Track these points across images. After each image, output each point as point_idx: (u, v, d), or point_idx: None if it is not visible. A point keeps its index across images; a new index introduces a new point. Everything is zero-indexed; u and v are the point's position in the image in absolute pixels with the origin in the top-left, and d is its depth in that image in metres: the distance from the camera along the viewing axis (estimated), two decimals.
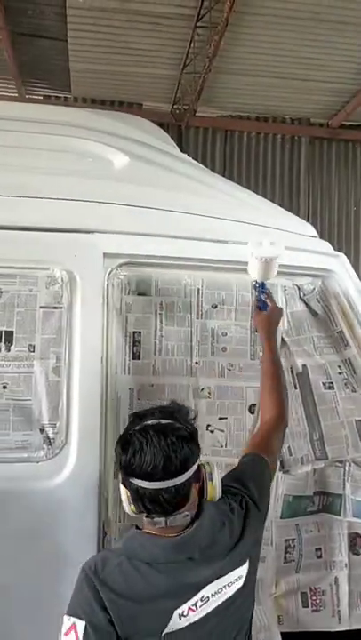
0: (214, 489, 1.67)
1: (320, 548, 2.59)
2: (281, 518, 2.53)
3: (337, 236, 9.44)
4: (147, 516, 1.59)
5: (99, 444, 2.27)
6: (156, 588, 1.54)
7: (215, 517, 1.64)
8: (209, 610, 1.57)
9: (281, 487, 2.55)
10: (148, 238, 2.45)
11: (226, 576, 1.60)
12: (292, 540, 2.55)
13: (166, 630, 1.53)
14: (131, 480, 1.55)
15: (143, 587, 1.53)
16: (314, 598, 2.55)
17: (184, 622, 1.54)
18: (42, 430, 2.26)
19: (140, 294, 2.51)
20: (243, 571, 1.64)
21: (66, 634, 1.48)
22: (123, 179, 2.58)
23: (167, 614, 1.53)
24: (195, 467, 1.60)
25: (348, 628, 2.55)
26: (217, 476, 1.69)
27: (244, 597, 1.68)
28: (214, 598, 1.58)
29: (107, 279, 2.41)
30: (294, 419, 2.68)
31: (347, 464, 2.59)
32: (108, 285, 2.42)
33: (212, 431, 2.58)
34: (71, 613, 1.50)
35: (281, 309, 2.48)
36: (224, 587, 1.60)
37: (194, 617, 1.55)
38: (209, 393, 2.57)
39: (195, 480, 1.61)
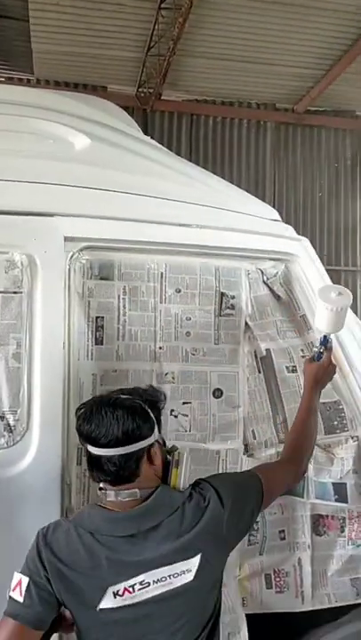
0: (178, 477, 1.71)
1: (283, 530, 2.61)
2: None
3: (302, 221, 9.50)
4: (100, 489, 1.68)
5: (61, 430, 2.24)
6: (95, 558, 1.59)
7: (167, 502, 1.66)
8: (149, 596, 1.58)
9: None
10: (111, 222, 2.40)
11: (171, 565, 1.60)
12: (256, 522, 2.56)
13: (101, 606, 1.56)
14: (83, 443, 1.68)
15: (83, 555, 1.59)
16: (278, 580, 2.57)
17: (119, 602, 1.56)
18: (2, 417, 2.22)
19: (102, 279, 2.47)
20: (191, 565, 1.61)
21: (13, 589, 1.59)
22: (84, 161, 2.53)
23: (102, 589, 1.57)
24: (143, 443, 1.65)
25: (311, 609, 2.58)
26: (185, 466, 1.72)
27: (197, 591, 1.64)
28: (156, 586, 1.58)
29: (68, 263, 2.37)
30: (258, 402, 2.69)
31: None
32: (69, 270, 2.37)
33: (175, 416, 2.57)
34: (20, 570, 1.63)
35: (334, 366, 2.38)
36: (169, 576, 1.60)
37: (130, 599, 1.57)
38: (173, 378, 2.56)
39: (147, 458, 1.67)
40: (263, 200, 2.95)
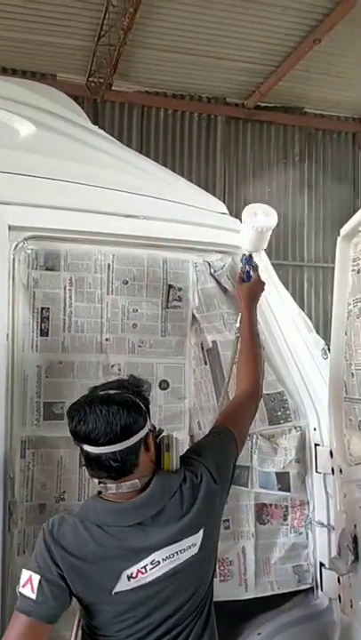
0: (170, 460, 1.75)
1: (228, 520, 2.64)
2: None
3: None
4: (99, 483, 1.68)
5: (4, 422, 2.19)
6: (105, 549, 1.63)
7: (167, 486, 1.70)
8: (160, 573, 1.65)
9: None
10: (57, 211, 2.36)
11: (178, 543, 1.67)
12: None
13: (116, 589, 1.62)
14: (79, 444, 1.66)
15: (93, 547, 1.63)
16: (222, 568, 2.60)
17: (133, 583, 1.63)
18: None
19: (48, 269, 2.43)
20: (196, 539, 1.70)
21: (23, 586, 1.62)
22: (29, 149, 2.48)
23: (115, 574, 1.62)
24: (140, 434, 1.66)
25: (254, 596, 2.63)
26: (175, 448, 1.76)
27: (201, 561, 1.73)
28: (165, 562, 1.65)
29: (12, 253, 2.32)
30: (204, 394, 2.71)
31: (254, 437, 2.64)
32: (13, 259, 2.33)
33: None
34: (29, 567, 1.64)
35: (263, 283, 2.45)
36: (176, 552, 1.67)
37: (143, 579, 1.64)
38: (119, 369, 2.54)
39: (144, 448, 1.68)
40: (214, 194, 2.96)
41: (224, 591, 2.54)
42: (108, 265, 2.54)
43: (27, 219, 2.32)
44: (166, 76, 8.84)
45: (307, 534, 2.69)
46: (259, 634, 2.55)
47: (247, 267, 2.45)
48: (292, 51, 8.05)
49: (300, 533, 2.69)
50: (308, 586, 2.70)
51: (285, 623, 2.58)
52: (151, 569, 1.64)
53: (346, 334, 2.45)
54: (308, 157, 10.17)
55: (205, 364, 2.72)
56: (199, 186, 2.96)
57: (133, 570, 1.63)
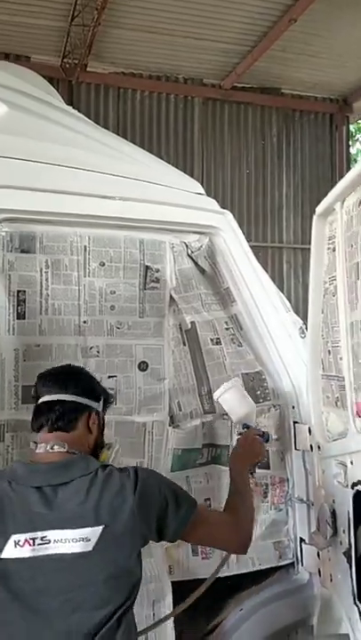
0: (105, 456, 1.89)
1: (209, 498, 2.66)
2: (171, 471, 2.56)
3: (230, 197, 9.56)
4: (34, 443, 1.78)
5: None
6: (5, 506, 1.60)
7: (83, 464, 1.69)
8: (46, 553, 1.56)
9: (171, 441, 2.59)
10: (32, 193, 2.34)
11: (73, 530, 1.58)
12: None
13: (3, 555, 1.56)
14: (36, 394, 1.89)
15: None
16: (203, 547, 2.63)
17: (18, 552, 1.56)
18: None
19: (23, 251, 2.41)
20: (92, 534, 1.58)
21: None
22: (3, 130, 2.45)
23: (5, 537, 1.57)
24: (88, 402, 1.84)
25: (235, 573, 2.66)
26: (113, 451, 1.91)
27: (96, 573, 1.59)
28: (56, 545, 1.57)
29: None
30: (183, 374, 2.72)
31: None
32: None
33: None
34: None
35: (252, 449, 2.22)
36: (70, 540, 1.58)
37: (29, 552, 1.56)
38: (98, 352, 2.54)
39: (86, 423, 1.82)
40: (192, 176, 2.95)
41: (206, 569, 2.56)
42: (85, 247, 2.52)
43: (1, 201, 2.30)
44: (142, 56, 8.74)
45: (287, 511, 2.72)
46: (241, 609, 2.59)
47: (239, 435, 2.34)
48: (268, 30, 7.99)
49: (280, 510, 2.72)
50: (288, 561, 2.74)
51: (267, 598, 2.63)
52: (39, 544, 1.57)
53: (322, 312, 2.46)
54: (286, 138, 10.15)
55: (184, 344, 2.72)
56: (177, 166, 2.95)
57: (22, 538, 1.57)
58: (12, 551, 1.56)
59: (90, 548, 1.58)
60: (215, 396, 2.37)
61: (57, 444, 1.73)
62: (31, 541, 1.57)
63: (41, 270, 2.46)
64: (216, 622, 2.61)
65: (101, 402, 1.92)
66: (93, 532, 1.58)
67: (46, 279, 2.47)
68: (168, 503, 1.71)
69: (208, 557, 2.63)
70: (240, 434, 2.32)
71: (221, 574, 2.61)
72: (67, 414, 1.79)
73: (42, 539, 1.57)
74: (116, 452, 1.92)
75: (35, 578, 1.57)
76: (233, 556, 2.65)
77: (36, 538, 1.57)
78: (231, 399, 2.32)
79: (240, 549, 1.98)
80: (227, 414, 2.44)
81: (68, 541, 1.58)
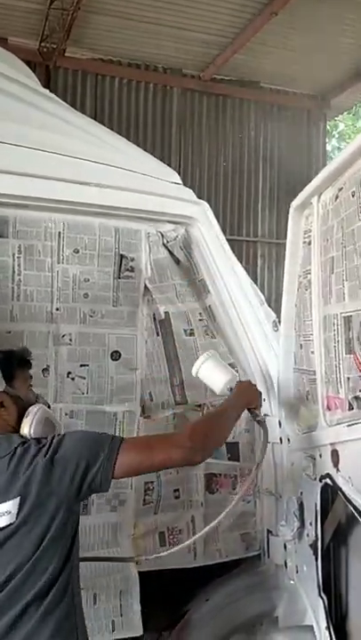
0: (24, 426, 1.76)
1: (178, 489, 2.68)
2: None
3: (206, 189, 9.54)
4: None
5: None
6: None
7: (5, 446, 1.69)
8: None
9: (141, 432, 2.59)
10: (5, 176, 2.29)
11: None
12: (152, 482, 2.61)
13: None
14: None
15: None
16: (171, 537, 2.64)
17: None
18: None
19: None
20: (11, 507, 1.60)
21: None
22: None
23: None
24: None
25: (202, 564, 2.68)
26: (32, 417, 1.77)
27: (21, 535, 1.61)
28: None
29: None
30: (156, 365, 2.72)
31: (205, 408, 2.67)
32: None
33: (72, 378, 2.54)
34: None
35: (247, 393, 2.18)
36: None
37: None
38: (70, 340, 2.52)
39: None
40: (169, 164, 2.93)
41: (173, 560, 2.56)
42: (59, 233, 2.50)
43: None
44: (121, 43, 8.64)
45: (255, 502, 2.75)
46: (207, 600, 2.61)
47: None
48: (249, 23, 7.97)
49: (249, 502, 2.74)
50: (255, 553, 2.77)
51: (233, 589, 2.65)
52: None
53: (296, 306, 2.47)
54: (264, 133, 10.15)
55: (157, 334, 2.72)
56: (155, 156, 2.92)
57: None
58: None
59: (13, 520, 1.59)
60: (193, 371, 2.29)
61: None
62: None
63: (13, 255, 2.42)
64: (182, 612, 2.62)
65: (0, 379, 1.80)
66: (13, 505, 1.60)
67: (19, 265, 2.43)
68: (87, 455, 1.67)
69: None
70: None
71: (190, 566, 2.64)
72: None
73: None
74: (36, 413, 1.78)
75: None
76: (200, 548, 2.67)
77: None
78: (210, 371, 2.25)
79: (188, 455, 1.77)
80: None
81: None
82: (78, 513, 1.75)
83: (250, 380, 2.33)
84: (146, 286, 2.66)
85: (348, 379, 1.96)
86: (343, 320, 2.01)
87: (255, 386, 2.28)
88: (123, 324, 2.61)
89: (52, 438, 1.71)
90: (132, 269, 2.62)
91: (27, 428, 1.75)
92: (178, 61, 9.25)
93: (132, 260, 2.62)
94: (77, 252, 2.52)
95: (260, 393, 2.27)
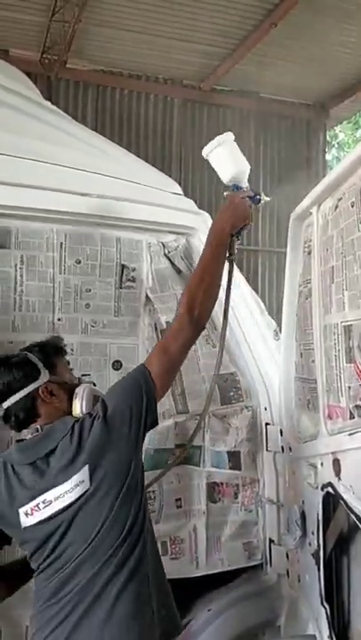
0: (74, 407, 1.85)
1: (180, 499, 2.67)
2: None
3: (207, 198, 9.57)
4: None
5: None
6: (9, 486, 1.76)
7: (61, 427, 1.77)
8: (54, 510, 1.71)
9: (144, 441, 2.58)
10: (7, 187, 2.31)
11: (66, 483, 1.71)
12: (153, 491, 2.60)
13: (23, 525, 1.74)
14: None
15: (4, 485, 1.77)
16: (173, 547, 2.64)
17: (32, 520, 1.73)
18: None
19: None
20: (83, 476, 1.71)
21: None
22: None
23: (16, 511, 1.74)
24: (30, 388, 1.80)
25: (205, 573, 2.67)
26: (81, 396, 1.85)
27: (103, 500, 1.72)
28: (58, 501, 1.71)
29: None
30: None
31: (207, 417, 2.66)
32: None
33: None
34: None
35: (238, 211, 2.12)
36: (66, 492, 1.71)
37: (40, 515, 1.72)
38: (72, 350, 2.52)
39: (43, 398, 1.82)
40: (170, 174, 2.95)
41: (175, 569, 2.57)
42: (61, 243, 2.51)
43: None
44: (122, 55, 8.71)
45: (257, 511, 2.74)
46: (209, 610, 2.60)
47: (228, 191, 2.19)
48: (249, 34, 8.03)
49: (251, 511, 2.74)
50: (257, 562, 2.75)
51: (235, 599, 2.64)
52: (44, 507, 1.72)
53: (296, 315, 2.48)
54: (264, 142, 10.20)
55: None
56: (155, 166, 2.94)
57: (28, 508, 1.73)
58: (27, 520, 1.73)
59: (88, 487, 1.71)
60: (204, 152, 2.16)
61: (30, 432, 1.82)
62: (36, 507, 1.72)
63: (15, 266, 2.43)
64: (184, 622, 2.61)
65: (42, 369, 1.84)
66: (83, 474, 1.71)
67: (21, 275, 2.44)
68: (131, 400, 1.79)
69: (178, 558, 2.64)
70: (229, 194, 2.18)
71: (192, 575, 2.63)
72: (21, 413, 1.81)
73: (43, 502, 1.72)
74: (82, 392, 1.85)
75: (54, 533, 1.72)
76: (202, 557, 2.67)
77: (39, 503, 1.72)
78: (222, 155, 2.14)
79: (195, 328, 1.90)
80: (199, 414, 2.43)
81: (67, 493, 1.71)
82: (142, 463, 1.87)
83: (242, 198, 2.16)
84: (147, 296, 2.67)
85: (349, 387, 1.97)
86: (343, 329, 2.02)
87: (250, 199, 2.18)
88: (124, 333, 2.62)
89: (99, 404, 1.80)
90: (133, 279, 2.63)
91: (78, 408, 1.84)
92: (178, 72, 9.32)
93: (134, 270, 2.63)
94: (79, 262, 2.53)
95: (251, 213, 2.15)
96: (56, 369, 1.89)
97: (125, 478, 1.75)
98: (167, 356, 1.87)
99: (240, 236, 2.15)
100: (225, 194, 2.20)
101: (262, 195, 2.22)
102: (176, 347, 1.88)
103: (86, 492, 1.71)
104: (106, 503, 1.73)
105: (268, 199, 2.25)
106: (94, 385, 1.97)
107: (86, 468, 1.72)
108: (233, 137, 2.20)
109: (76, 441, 1.74)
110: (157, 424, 1.88)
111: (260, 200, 2.19)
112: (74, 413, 1.84)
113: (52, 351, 1.93)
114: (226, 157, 2.16)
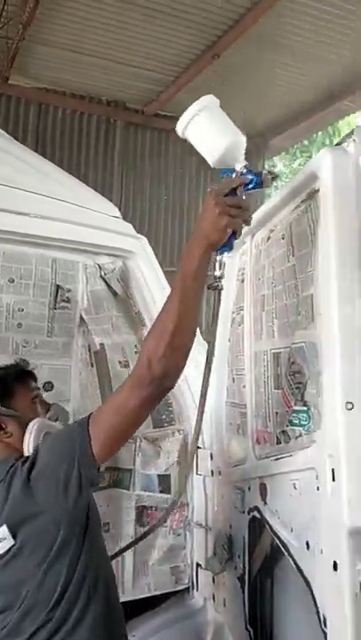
0: (24, 445, 1.68)
1: (108, 523, 2.65)
2: None
3: (147, 222, 9.65)
4: None
5: None
6: None
7: (1, 473, 1.61)
8: None
9: None
10: None
11: None
12: None
13: None
14: None
15: None
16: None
17: None
18: None
19: None
20: (3, 533, 1.54)
21: None
22: None
23: None
24: None
25: (131, 599, 2.65)
26: (31, 432, 1.68)
27: (25, 563, 1.56)
28: None
29: None
30: (90, 396, 2.71)
31: (138, 439, 2.67)
32: None
33: None
34: None
35: (210, 220, 1.51)
36: None
37: None
38: None
39: None
40: (110, 199, 2.96)
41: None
42: None
43: None
44: (66, 74, 8.71)
45: (185, 535, 2.75)
46: (133, 636, 2.57)
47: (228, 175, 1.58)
48: (192, 63, 8.22)
49: (179, 535, 2.74)
50: (184, 586, 2.76)
51: (160, 624, 2.62)
52: None
53: (229, 341, 2.54)
54: (205, 170, 10.38)
55: (92, 366, 2.72)
56: (96, 189, 2.96)
57: None
58: None
59: (12, 543, 1.53)
60: (179, 126, 1.59)
61: None
62: None
63: None
64: None
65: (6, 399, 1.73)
66: (3, 531, 1.54)
67: None
68: (62, 460, 1.55)
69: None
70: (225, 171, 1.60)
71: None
72: None
73: None
74: (32, 429, 1.67)
75: None
76: (129, 582, 2.65)
77: None
78: (204, 127, 1.56)
79: (157, 386, 1.49)
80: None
81: None
82: (84, 519, 1.63)
83: (214, 201, 1.52)
84: (82, 317, 2.67)
85: (277, 413, 2.02)
86: (273, 356, 2.08)
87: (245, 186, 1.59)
88: (57, 354, 2.61)
89: (31, 456, 1.61)
90: (68, 300, 2.63)
91: (26, 447, 1.68)
92: (122, 95, 9.40)
93: (69, 291, 2.63)
94: (12, 281, 2.52)
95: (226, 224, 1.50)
96: (14, 398, 1.75)
97: (54, 541, 1.55)
98: (119, 418, 1.53)
99: (227, 249, 1.58)
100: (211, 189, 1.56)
101: (264, 173, 1.59)
102: (132, 407, 1.51)
103: (10, 548, 1.54)
104: (31, 564, 1.56)
105: (276, 174, 1.64)
106: (67, 414, 1.84)
107: (5, 526, 1.54)
108: (217, 101, 1.66)
109: (4, 493, 1.57)
110: (98, 484, 1.68)
111: (261, 183, 1.57)
112: (24, 452, 1.68)
113: (11, 377, 1.78)
114: (210, 129, 1.58)
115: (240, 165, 1.57)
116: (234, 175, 1.56)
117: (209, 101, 1.61)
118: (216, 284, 1.63)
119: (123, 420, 1.53)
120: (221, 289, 1.66)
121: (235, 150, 1.56)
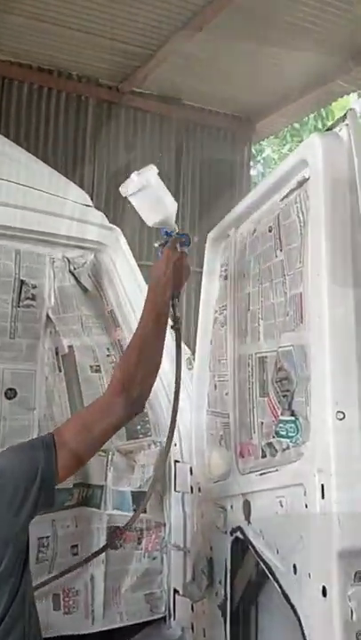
0: None
1: (77, 545, 2.65)
2: None
3: (121, 210, 9.60)
4: None
5: None
6: None
7: None
8: None
9: None
10: None
11: None
12: (46, 537, 2.57)
13: None
14: None
15: None
16: (67, 600, 2.60)
17: None
18: None
19: None
20: None
21: None
22: None
23: None
24: None
25: (101, 629, 2.65)
26: None
27: None
28: None
29: None
30: (57, 404, 2.70)
31: (110, 453, 2.67)
32: None
33: None
34: None
35: (178, 271, 2.01)
36: None
37: None
38: None
39: None
40: (82, 185, 2.96)
41: (68, 625, 2.54)
42: None
43: None
44: (32, 46, 8.64)
45: (161, 559, 2.75)
46: None
47: (159, 242, 2.13)
48: (172, 35, 8.20)
49: (155, 558, 2.75)
50: (160, 615, 2.76)
51: None
52: None
53: (211, 343, 2.54)
54: (186, 152, 10.38)
55: (60, 370, 2.72)
56: (65, 174, 2.95)
57: None
58: None
59: None
60: (123, 191, 2.06)
61: None
62: None
63: None
64: None
65: None
66: None
67: None
68: (23, 475, 1.61)
69: (71, 612, 2.60)
70: (162, 245, 2.08)
71: (86, 631, 2.61)
72: None
73: None
74: None
75: None
76: (99, 611, 2.64)
77: None
78: (147, 198, 2.06)
79: (127, 410, 1.78)
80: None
81: None
82: (25, 547, 1.68)
83: (181, 254, 2.05)
84: (48, 317, 2.66)
85: (262, 423, 2.03)
86: (258, 361, 2.09)
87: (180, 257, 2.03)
88: (20, 358, 2.59)
89: None
90: (33, 297, 2.62)
91: None
92: (94, 70, 9.35)
93: (34, 287, 2.62)
94: None
95: (188, 267, 2.05)
96: None
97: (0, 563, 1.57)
98: (86, 435, 1.71)
99: (178, 296, 2.09)
100: (156, 244, 2.12)
101: (189, 235, 2.13)
102: (102, 427, 1.72)
103: None
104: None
105: (195, 240, 2.20)
106: None
107: None
108: (157, 171, 2.10)
109: None
110: (53, 505, 1.73)
111: (190, 243, 2.10)
112: None
113: None
114: (151, 200, 2.07)
115: (174, 228, 2.10)
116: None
117: (150, 175, 2.06)
118: (177, 326, 2.10)
119: (90, 441, 1.72)
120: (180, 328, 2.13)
121: (171, 217, 2.10)
